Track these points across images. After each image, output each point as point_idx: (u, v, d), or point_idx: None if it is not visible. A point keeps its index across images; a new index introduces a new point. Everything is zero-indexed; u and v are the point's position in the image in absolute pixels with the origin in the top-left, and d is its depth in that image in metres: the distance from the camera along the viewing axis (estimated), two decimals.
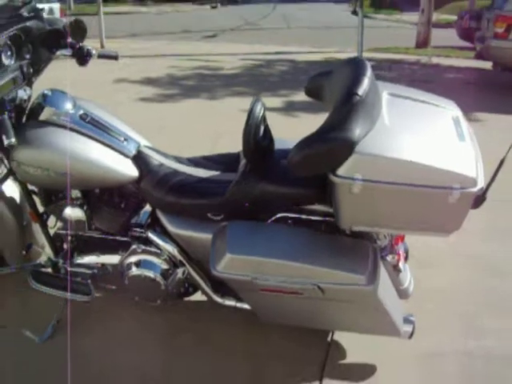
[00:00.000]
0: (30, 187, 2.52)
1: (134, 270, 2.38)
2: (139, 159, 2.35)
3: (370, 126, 1.86)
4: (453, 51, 11.96)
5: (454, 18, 16.32)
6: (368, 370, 2.37)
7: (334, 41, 13.27)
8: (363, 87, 1.88)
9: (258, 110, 2.09)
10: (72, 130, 2.29)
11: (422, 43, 12.28)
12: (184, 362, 2.42)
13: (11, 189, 2.63)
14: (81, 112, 2.36)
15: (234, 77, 8.68)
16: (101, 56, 2.59)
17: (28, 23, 2.40)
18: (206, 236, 2.23)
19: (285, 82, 8.36)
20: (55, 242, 2.58)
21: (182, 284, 2.42)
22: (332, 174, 1.83)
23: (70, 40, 2.52)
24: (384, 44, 12.25)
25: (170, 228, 2.31)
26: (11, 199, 2.64)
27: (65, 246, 2.57)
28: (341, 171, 1.81)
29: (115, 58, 2.62)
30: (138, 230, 2.42)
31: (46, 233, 2.58)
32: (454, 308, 2.79)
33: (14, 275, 2.71)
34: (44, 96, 2.34)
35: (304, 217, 2.19)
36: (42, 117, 2.30)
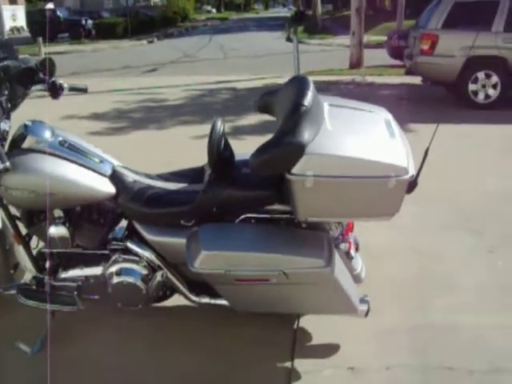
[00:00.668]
0: (12, 212, 2.73)
1: (117, 278, 2.62)
2: (115, 177, 2.62)
3: (316, 131, 2.21)
4: (385, 70, 12.71)
5: (384, 38, 17.29)
6: (333, 348, 2.67)
7: (271, 67, 13.81)
8: (308, 99, 2.23)
9: (219, 127, 2.42)
10: (53, 155, 2.54)
11: (356, 64, 12.99)
12: (166, 358, 2.67)
13: None
14: (60, 139, 2.62)
15: (179, 107, 9.01)
16: (71, 89, 2.86)
17: (6, 62, 2.64)
18: (180, 240, 2.51)
19: (228, 109, 8.75)
20: (38, 260, 2.79)
21: (161, 287, 2.67)
22: (287, 173, 2.16)
23: (42, 76, 2.77)
24: (319, 67, 12.86)
25: (148, 236, 2.57)
26: None
27: (47, 263, 2.78)
28: (295, 170, 2.15)
29: (85, 90, 2.90)
30: (116, 242, 2.67)
31: (30, 253, 2.79)
32: (401, 290, 3.15)
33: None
34: (25, 126, 2.59)
35: (265, 216, 2.50)
36: (25, 145, 2.54)
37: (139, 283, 2.62)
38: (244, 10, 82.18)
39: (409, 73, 9.19)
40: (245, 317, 2.80)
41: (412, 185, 2.26)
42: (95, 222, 2.68)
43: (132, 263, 2.62)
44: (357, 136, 2.31)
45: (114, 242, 2.69)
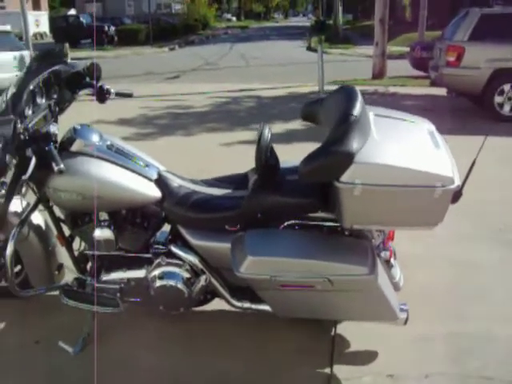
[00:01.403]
0: (57, 214, 2.80)
1: (160, 282, 2.67)
2: (161, 182, 2.68)
3: (364, 140, 2.25)
4: (408, 80, 12.72)
5: (405, 49, 17.34)
6: (371, 355, 2.69)
7: (293, 76, 13.91)
8: (357, 108, 2.27)
9: (267, 134, 2.46)
10: (101, 158, 2.61)
11: (379, 74, 13.02)
12: (204, 362, 2.70)
13: (37, 217, 2.93)
14: (108, 143, 2.69)
15: (205, 114, 9.10)
16: (118, 94, 2.93)
17: (57, 67, 2.72)
18: (224, 245, 2.56)
19: (253, 117, 8.81)
20: (80, 262, 2.85)
21: (203, 291, 2.71)
22: (336, 181, 2.20)
23: (89, 80, 2.85)
24: (342, 77, 12.88)
25: (192, 240, 2.62)
26: (38, 226, 2.94)
27: (89, 265, 2.84)
28: (343, 178, 2.19)
29: (130, 95, 2.98)
30: (159, 245, 2.72)
31: (72, 254, 2.85)
32: (435, 298, 3.16)
33: (39, 296, 2.96)
34: (74, 130, 2.67)
35: (309, 222, 2.54)
36: (74, 148, 2.62)
37: (182, 287, 2.66)
38: (264, 18, 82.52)
39: (434, 84, 9.21)
40: (283, 322, 2.85)
41: (457, 195, 2.29)
42: (139, 225, 2.73)
43: (175, 267, 2.67)
44: (403, 146, 2.35)
45: (157, 246, 2.74)
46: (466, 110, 8.90)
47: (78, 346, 2.73)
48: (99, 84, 2.85)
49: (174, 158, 6.22)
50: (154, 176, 2.70)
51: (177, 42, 27.25)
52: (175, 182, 2.72)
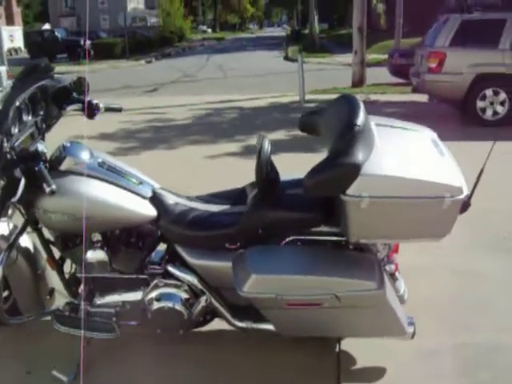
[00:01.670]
0: (46, 236, 2.67)
1: (158, 304, 2.55)
2: (155, 200, 2.56)
3: (369, 151, 2.17)
4: (387, 87, 12.77)
5: (382, 57, 17.48)
6: (379, 372, 2.60)
7: (272, 86, 13.89)
8: (360, 118, 2.20)
9: (267, 147, 2.37)
10: (93, 177, 2.49)
11: (358, 82, 13.06)
12: (203, 376, 2.62)
13: (25, 240, 2.79)
14: (99, 160, 2.57)
15: (187, 127, 8.99)
16: (107, 109, 2.82)
17: (43, 82, 2.60)
18: (225, 264, 2.45)
19: (236, 128, 8.74)
20: (72, 285, 2.72)
21: (203, 312, 2.60)
22: (342, 194, 2.11)
23: (76, 95, 2.73)
24: (321, 86, 12.90)
25: (191, 260, 2.51)
26: (26, 249, 2.80)
27: (81, 289, 2.71)
28: (350, 191, 2.11)
29: (120, 110, 2.87)
30: (156, 266, 2.60)
31: (63, 278, 2.72)
32: (439, 310, 3.08)
33: (28, 323, 2.81)
34: (64, 147, 2.53)
35: (312, 238, 2.45)
36: (63, 166, 2.48)
37: (181, 308, 2.55)
38: (239, 29, 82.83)
39: (416, 90, 9.23)
40: (284, 339, 2.74)
41: (465, 205, 2.22)
42: (134, 245, 2.62)
43: (173, 288, 2.56)
44: (408, 156, 2.28)
45: (153, 266, 2.62)
46: (449, 116, 8.92)
47: (71, 374, 2.59)
48: (87, 99, 2.73)
49: (159, 174, 6.04)
50: (149, 194, 2.59)
51: (153, 55, 27.12)
52: (170, 199, 2.61)
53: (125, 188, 2.52)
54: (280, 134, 8.10)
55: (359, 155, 2.10)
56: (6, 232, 2.69)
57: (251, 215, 2.42)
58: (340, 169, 2.09)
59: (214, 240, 2.49)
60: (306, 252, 2.40)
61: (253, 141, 7.69)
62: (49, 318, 2.74)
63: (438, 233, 2.26)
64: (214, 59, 25.18)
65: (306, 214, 2.39)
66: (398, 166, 2.18)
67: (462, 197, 2.15)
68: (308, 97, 11.24)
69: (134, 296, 2.61)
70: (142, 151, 7.29)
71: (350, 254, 2.42)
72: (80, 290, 2.72)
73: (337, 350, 2.77)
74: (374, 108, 10.05)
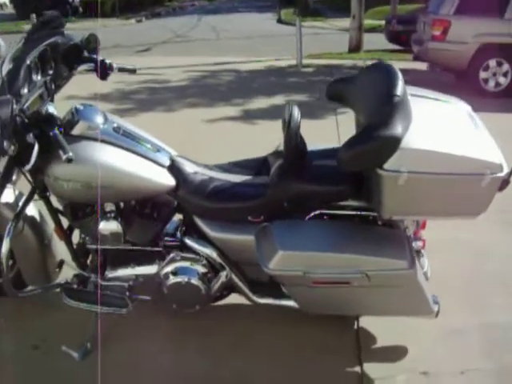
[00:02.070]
0: (54, 204, 2.52)
1: (174, 278, 2.44)
2: (174, 168, 2.42)
3: (408, 124, 2.04)
4: (385, 54, 12.52)
5: (377, 22, 17.18)
6: (400, 351, 2.53)
7: (266, 49, 13.58)
8: (400, 88, 2.05)
9: (297, 115, 2.22)
10: (108, 142, 2.32)
11: (355, 48, 12.77)
12: (225, 361, 2.50)
13: (31, 208, 2.63)
14: (114, 125, 2.40)
15: (183, 89, 8.74)
16: (120, 70, 2.64)
17: (54, 38, 2.41)
18: (246, 238, 2.34)
19: (234, 92, 8.51)
20: (81, 257, 2.59)
21: (222, 287, 2.49)
22: (379, 168, 1.99)
23: (87, 54, 2.55)
24: (315, 50, 12.59)
25: (210, 233, 2.38)
26: (32, 219, 2.64)
27: (90, 261, 2.58)
28: (388, 165, 1.98)
29: (134, 71, 2.69)
30: (172, 238, 2.48)
31: (72, 249, 2.58)
32: (462, 288, 3.00)
33: (34, 296, 2.68)
34: (76, 110, 2.35)
35: (338, 212, 2.33)
36: (76, 131, 2.31)
37: (199, 283, 2.44)
38: None
39: (417, 58, 9.02)
40: (300, 316, 2.65)
41: (505, 183, 2.11)
42: (148, 216, 2.48)
43: (191, 262, 2.44)
44: (447, 130, 2.16)
45: (168, 239, 2.49)
46: (449, 85, 8.73)
47: (82, 350, 2.47)
48: (101, 59, 2.55)
49: (159, 137, 5.96)
50: (167, 162, 2.44)
51: (143, 14, 26.34)
52: (189, 167, 2.46)
53: (142, 155, 2.37)
54: (279, 99, 7.90)
55: (399, 128, 1.97)
56: (11, 200, 2.54)
57: (277, 187, 2.29)
58: (379, 142, 1.95)
59: (237, 212, 2.36)
60: (334, 228, 2.28)
61: (251, 105, 7.64)
62: (57, 290, 2.62)
63: (474, 211, 2.15)
64: (205, 20, 24.53)
65: (334, 186, 2.27)
66: (437, 140, 2.05)
67: (502, 174, 2.04)
68: (305, 61, 11.00)
69: (149, 269, 2.49)
70: (138, 113, 7.05)
71: (380, 231, 2.30)
72: (90, 262, 2.60)
73: (355, 327, 2.69)
74: None
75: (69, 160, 2.03)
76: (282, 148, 2.55)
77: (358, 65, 11.17)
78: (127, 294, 2.49)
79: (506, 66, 7.90)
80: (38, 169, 2.32)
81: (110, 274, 2.52)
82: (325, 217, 2.34)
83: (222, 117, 6.87)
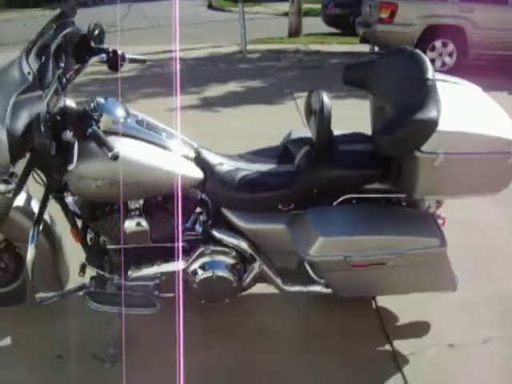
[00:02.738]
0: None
1: (205, 273, 2.40)
2: (200, 160, 2.38)
3: (440, 107, 2.10)
4: (324, 37, 12.72)
5: (310, 6, 17.35)
6: (423, 326, 2.62)
7: (203, 36, 13.39)
8: (432, 72, 2.11)
9: (328, 102, 2.23)
10: (133, 137, 2.24)
11: (295, 32, 12.86)
12: (251, 351, 2.50)
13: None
14: (138, 118, 2.33)
15: (133, 79, 8.53)
16: (131, 60, 2.57)
17: (69, 29, 2.30)
18: (278, 227, 2.34)
19: (185, 81, 8.26)
20: (98, 259, 2.50)
21: (255, 279, 2.48)
22: (417, 151, 2.04)
23: (94, 45, 2.46)
24: (254, 36, 12.54)
25: (241, 224, 2.36)
26: (44, 222, 2.52)
27: (110, 261, 2.50)
28: (425, 148, 2.04)
29: (144, 61, 2.63)
30: (197, 232, 2.43)
31: (89, 250, 2.50)
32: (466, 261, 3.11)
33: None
34: (98, 104, 2.23)
35: (366, 196, 2.37)
36: (101, 126, 2.20)
37: (230, 276, 2.42)
38: None
39: (364, 41, 9.22)
40: (315, 303, 2.74)
41: None
42: (172, 211, 2.42)
43: (221, 255, 2.41)
44: (472, 111, 2.24)
45: (193, 233, 2.45)
46: None
47: (111, 355, 2.37)
48: (113, 50, 2.46)
49: None
50: (192, 154, 2.39)
51: (69, 4, 25.48)
52: (215, 159, 2.42)
53: (169, 149, 2.31)
54: (233, 86, 7.90)
55: (435, 111, 2.03)
56: (20, 203, 2.44)
57: (309, 174, 2.29)
58: (418, 125, 2.01)
59: (268, 202, 2.35)
60: (366, 211, 2.32)
61: (206, 93, 7.57)
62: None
63: (497, 187, 2.26)
64: (135, 8, 23.97)
65: (365, 171, 2.31)
66: (467, 121, 2.14)
67: None
68: (249, 47, 11.01)
69: (175, 266, 2.43)
70: None
71: (408, 211, 2.38)
72: (107, 263, 2.51)
73: (374, 307, 2.76)
74: (319, 58, 10.05)
75: (115, 157, 1.94)
76: (296, 136, 2.58)
77: (301, 49, 11.30)
78: (156, 293, 2.43)
79: (451, 47, 8.22)
80: (55, 168, 2.23)
81: (133, 273, 2.44)
82: (353, 201, 2.38)
83: (182, 106, 6.77)
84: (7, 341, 2.57)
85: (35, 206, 2.48)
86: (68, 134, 2.04)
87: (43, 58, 2.09)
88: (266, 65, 9.52)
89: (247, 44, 11.12)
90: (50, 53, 2.10)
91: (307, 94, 2.40)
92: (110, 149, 1.93)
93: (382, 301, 2.77)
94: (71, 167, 2.02)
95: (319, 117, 2.21)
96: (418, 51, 2.27)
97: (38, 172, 2.31)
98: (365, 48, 10.10)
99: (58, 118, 2.05)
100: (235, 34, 11.22)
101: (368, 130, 2.51)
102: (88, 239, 2.50)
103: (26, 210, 2.47)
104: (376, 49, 9.46)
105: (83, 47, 2.43)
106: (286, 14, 15.48)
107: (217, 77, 8.53)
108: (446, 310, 2.72)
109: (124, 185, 2.16)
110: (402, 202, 2.41)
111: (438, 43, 8.19)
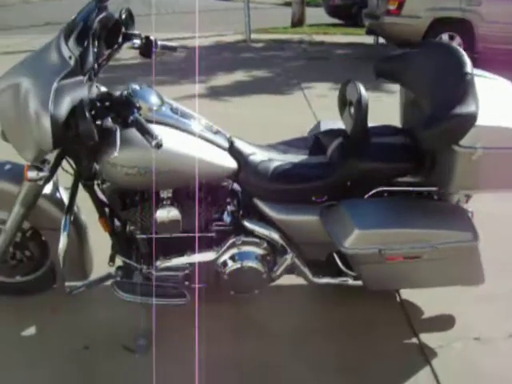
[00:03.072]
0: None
1: (235, 263, 2.40)
2: (234, 150, 2.36)
3: (478, 101, 2.10)
4: (327, 28, 12.69)
5: None
6: (448, 320, 2.64)
7: (206, 25, 13.23)
8: (470, 66, 2.11)
9: (364, 92, 2.22)
10: (169, 125, 2.22)
11: (298, 22, 12.82)
12: (277, 343, 2.50)
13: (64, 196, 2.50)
14: (172, 106, 2.31)
15: (139, 66, 8.35)
16: (163, 47, 2.54)
17: (104, 14, 2.25)
18: (310, 218, 2.34)
19: (193, 69, 8.28)
20: (127, 248, 2.49)
21: (286, 270, 2.48)
22: (455, 145, 2.05)
23: (124, 30, 2.42)
24: (257, 25, 12.48)
25: (274, 215, 2.36)
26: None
27: (140, 251, 2.48)
28: (464, 142, 2.04)
29: (175, 49, 2.59)
30: (228, 222, 2.43)
31: (118, 239, 2.49)
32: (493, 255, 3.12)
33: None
34: (134, 92, 2.19)
35: (399, 189, 2.37)
36: None
37: (261, 267, 2.42)
38: None
39: (371, 32, 9.19)
40: (337, 296, 2.74)
41: None
42: (204, 200, 2.42)
43: (252, 245, 2.41)
44: (509, 106, 2.24)
45: (224, 223, 2.44)
46: None
47: (141, 346, 2.38)
48: (145, 36, 2.43)
49: None
50: (226, 144, 2.38)
51: None
52: (248, 149, 2.41)
53: (204, 138, 2.30)
54: (240, 75, 7.88)
55: (474, 105, 2.03)
56: (48, 191, 2.42)
57: (343, 166, 2.29)
58: (459, 119, 2.01)
59: (302, 193, 2.35)
60: (400, 204, 2.32)
61: (214, 82, 7.53)
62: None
63: None
64: None
65: (398, 163, 2.31)
66: (504, 116, 2.14)
67: None
68: (253, 36, 10.97)
69: (206, 256, 2.43)
70: None
71: (441, 205, 2.39)
72: (135, 253, 2.50)
73: (398, 300, 2.77)
74: (324, 49, 10.02)
75: (158, 145, 1.92)
76: (325, 127, 2.57)
77: (305, 39, 11.26)
78: (187, 283, 2.43)
79: (457, 40, 8.18)
80: (86, 155, 2.21)
81: (162, 263, 2.43)
82: (385, 194, 2.38)
83: (190, 94, 6.71)
84: (32, 331, 2.55)
85: (62, 194, 2.47)
86: (109, 121, 2.02)
87: (85, 43, 2.06)
88: (270, 54, 9.49)
89: (251, 33, 11.09)
90: (90, 37, 2.07)
91: (341, 84, 2.39)
92: (154, 137, 1.91)
93: (406, 294, 2.77)
94: (115, 155, 1.99)
95: (356, 108, 2.20)
96: (453, 45, 2.27)
97: (69, 160, 2.30)
98: (369, 39, 10.10)
99: (98, 104, 2.03)
100: (237, 22, 11.18)
101: (388, 122, 2.51)
102: (115, 228, 2.49)
103: (53, 198, 2.46)
104: (381, 40, 9.48)
105: (115, 33, 2.39)
106: (288, 4, 15.45)
107: (222, 66, 8.50)
108: (471, 303, 2.73)
109: (158, 173, 2.15)
110: (432, 196, 2.41)
111: (444, 36, 8.17)
